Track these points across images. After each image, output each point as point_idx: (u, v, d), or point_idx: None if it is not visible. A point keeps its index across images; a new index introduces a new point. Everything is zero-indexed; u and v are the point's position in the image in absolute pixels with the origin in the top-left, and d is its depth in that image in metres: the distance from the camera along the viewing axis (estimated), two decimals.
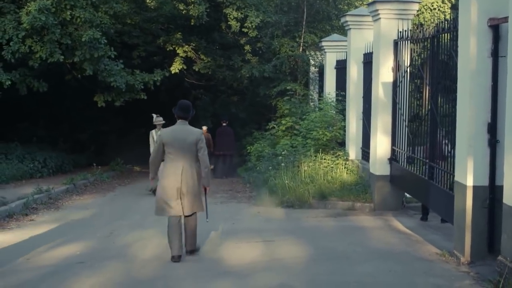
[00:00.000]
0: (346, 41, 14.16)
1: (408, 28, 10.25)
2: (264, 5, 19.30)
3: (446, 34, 8.37)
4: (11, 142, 17.65)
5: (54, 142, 20.58)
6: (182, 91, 23.93)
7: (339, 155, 13.19)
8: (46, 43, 14.72)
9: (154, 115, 13.84)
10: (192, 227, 7.82)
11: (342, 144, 13.91)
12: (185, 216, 7.72)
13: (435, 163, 8.67)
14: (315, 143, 13.51)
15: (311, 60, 18.67)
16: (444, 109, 8.46)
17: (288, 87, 17.86)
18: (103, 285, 6.62)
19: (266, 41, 19.69)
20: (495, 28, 6.80)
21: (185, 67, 20.57)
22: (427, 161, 8.98)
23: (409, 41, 10.08)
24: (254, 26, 18.53)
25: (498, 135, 6.85)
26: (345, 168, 12.72)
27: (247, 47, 20.30)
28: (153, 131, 13.83)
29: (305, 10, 19.07)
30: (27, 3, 14.61)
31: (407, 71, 10.20)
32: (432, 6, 21.21)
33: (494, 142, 6.90)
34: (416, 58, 9.99)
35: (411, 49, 10.07)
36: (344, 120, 13.79)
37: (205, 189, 7.88)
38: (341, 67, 14.80)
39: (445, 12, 20.81)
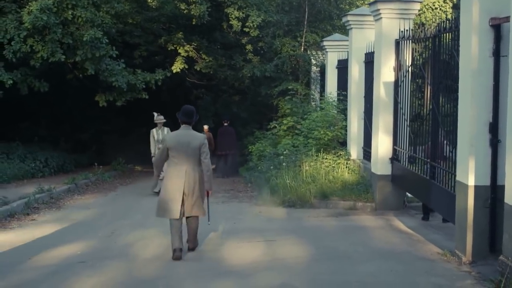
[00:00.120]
0: (347, 40, 14.17)
1: (409, 28, 10.25)
2: (266, 4, 19.28)
3: (447, 34, 8.37)
4: (12, 142, 17.64)
5: (56, 141, 20.58)
6: (183, 90, 23.93)
7: (340, 154, 13.19)
8: (48, 43, 14.71)
9: (155, 114, 13.85)
10: (194, 228, 8.00)
11: (343, 143, 13.91)
12: (187, 217, 7.88)
13: (437, 163, 8.67)
14: (317, 143, 13.51)
15: (312, 60, 18.66)
16: (446, 109, 8.46)
17: (289, 87, 17.85)
18: (104, 284, 6.62)
19: (267, 40, 19.68)
20: (497, 27, 6.80)
21: (186, 67, 20.57)
22: (428, 160, 8.98)
23: (410, 41, 10.08)
24: (255, 26, 18.52)
25: (499, 135, 6.85)
26: (346, 167, 12.72)
27: (249, 47, 20.28)
28: (154, 130, 13.83)
29: (306, 9, 19.06)
30: (29, 3, 14.60)
31: (408, 70, 10.19)
32: (434, 5, 21.18)
33: (495, 142, 6.89)
34: (418, 57, 9.98)
35: (412, 49, 10.07)
36: (346, 119, 13.78)
37: (208, 193, 8.04)
38: (343, 67, 14.79)
39: (446, 11, 20.78)
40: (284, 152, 13.75)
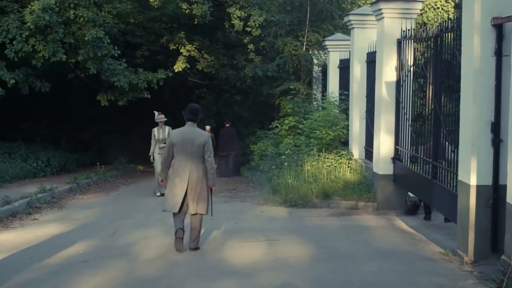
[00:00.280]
0: (349, 40, 14.15)
1: (411, 27, 10.23)
2: (268, 4, 19.28)
3: (449, 33, 8.36)
4: (14, 142, 17.66)
5: (58, 141, 20.60)
6: (185, 90, 23.94)
7: (342, 154, 13.18)
8: (49, 42, 14.73)
9: (156, 113, 13.84)
10: (197, 227, 8.02)
11: (345, 143, 13.91)
12: (191, 215, 7.95)
13: (439, 163, 8.66)
14: (318, 143, 13.51)
15: (314, 59, 18.64)
16: (448, 108, 8.46)
17: (291, 86, 17.85)
18: (106, 284, 6.63)
19: (269, 40, 19.67)
20: (499, 27, 6.79)
21: (188, 66, 20.58)
22: (430, 160, 8.97)
23: (412, 40, 10.07)
24: (257, 25, 18.52)
25: (501, 135, 6.84)
26: (348, 167, 12.72)
27: (251, 46, 20.28)
28: (155, 129, 13.80)
29: (308, 9, 19.05)
30: (31, 2, 14.62)
31: (410, 70, 10.19)
32: (436, 5, 21.13)
33: (497, 142, 6.89)
34: (420, 57, 9.98)
35: (414, 48, 10.06)
36: (347, 119, 13.78)
37: (211, 189, 8.14)
38: (345, 66, 14.78)
39: (448, 11, 20.73)
40: (286, 152, 13.74)
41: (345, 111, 14.06)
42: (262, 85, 20.58)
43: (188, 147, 7.85)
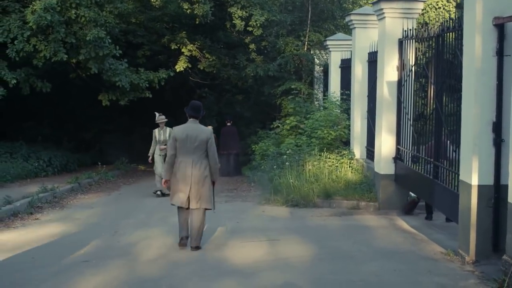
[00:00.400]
0: (350, 40, 14.15)
1: (413, 27, 10.23)
2: (269, 4, 19.28)
3: (451, 33, 8.36)
4: (16, 141, 17.66)
5: (59, 141, 20.59)
6: (186, 90, 23.92)
7: (343, 154, 13.18)
8: (51, 42, 14.73)
9: (157, 114, 13.81)
10: (198, 224, 8.02)
11: (346, 143, 13.91)
12: (192, 211, 7.97)
13: (440, 162, 8.66)
14: (320, 142, 13.52)
15: (315, 59, 18.65)
16: (449, 108, 8.45)
17: (292, 86, 17.85)
18: (107, 284, 6.63)
19: (270, 40, 19.68)
20: (500, 27, 6.79)
21: (190, 66, 20.58)
22: (432, 160, 8.97)
23: (414, 40, 10.07)
24: (258, 25, 18.52)
25: (503, 134, 6.84)
26: (349, 167, 12.71)
27: (252, 46, 20.27)
28: (156, 130, 13.78)
29: (309, 9, 19.06)
30: (32, 2, 14.62)
31: (412, 70, 10.18)
32: (437, 5, 21.14)
33: (499, 141, 6.89)
34: (421, 57, 9.97)
35: (416, 48, 10.06)
36: (349, 119, 13.78)
37: (213, 183, 8.26)
38: (346, 66, 14.78)
39: (450, 11, 20.74)
40: (287, 152, 13.74)
41: (347, 111, 14.06)
42: (264, 85, 20.58)
43: (191, 143, 7.97)
